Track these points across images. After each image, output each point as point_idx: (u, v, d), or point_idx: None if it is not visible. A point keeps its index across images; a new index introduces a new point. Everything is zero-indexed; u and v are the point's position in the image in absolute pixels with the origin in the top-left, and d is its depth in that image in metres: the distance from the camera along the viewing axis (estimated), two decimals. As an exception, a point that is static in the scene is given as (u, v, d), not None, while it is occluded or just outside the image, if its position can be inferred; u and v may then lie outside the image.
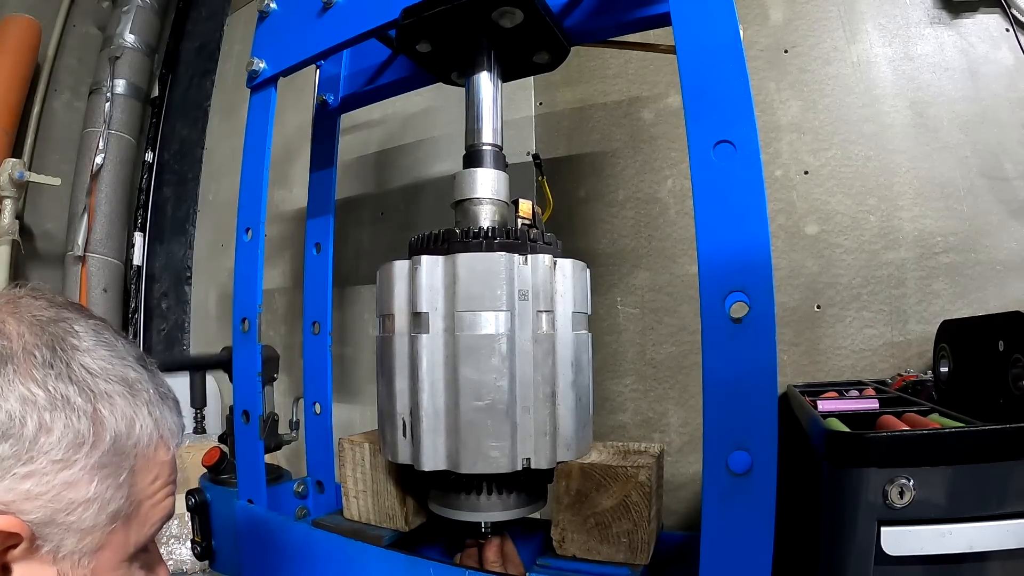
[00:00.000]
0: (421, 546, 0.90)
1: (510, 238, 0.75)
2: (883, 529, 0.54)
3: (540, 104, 1.43)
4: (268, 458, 0.99)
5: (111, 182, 2.03)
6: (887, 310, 1.08)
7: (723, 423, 0.55)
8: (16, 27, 1.95)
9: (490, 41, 0.85)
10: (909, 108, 1.10)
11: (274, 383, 1.19)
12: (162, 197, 2.26)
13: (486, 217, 0.81)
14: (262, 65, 0.92)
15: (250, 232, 0.92)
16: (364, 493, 0.89)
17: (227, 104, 2.13)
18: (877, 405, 0.77)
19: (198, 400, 1.62)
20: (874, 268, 1.10)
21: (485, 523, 0.79)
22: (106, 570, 0.47)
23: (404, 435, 0.77)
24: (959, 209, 1.06)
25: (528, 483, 0.77)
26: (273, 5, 0.93)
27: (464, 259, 0.72)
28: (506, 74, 0.91)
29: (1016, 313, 0.67)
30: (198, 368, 1.19)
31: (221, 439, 1.19)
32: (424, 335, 0.73)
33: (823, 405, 0.77)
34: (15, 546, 0.42)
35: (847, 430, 0.61)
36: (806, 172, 1.16)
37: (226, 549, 1.03)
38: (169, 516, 0.53)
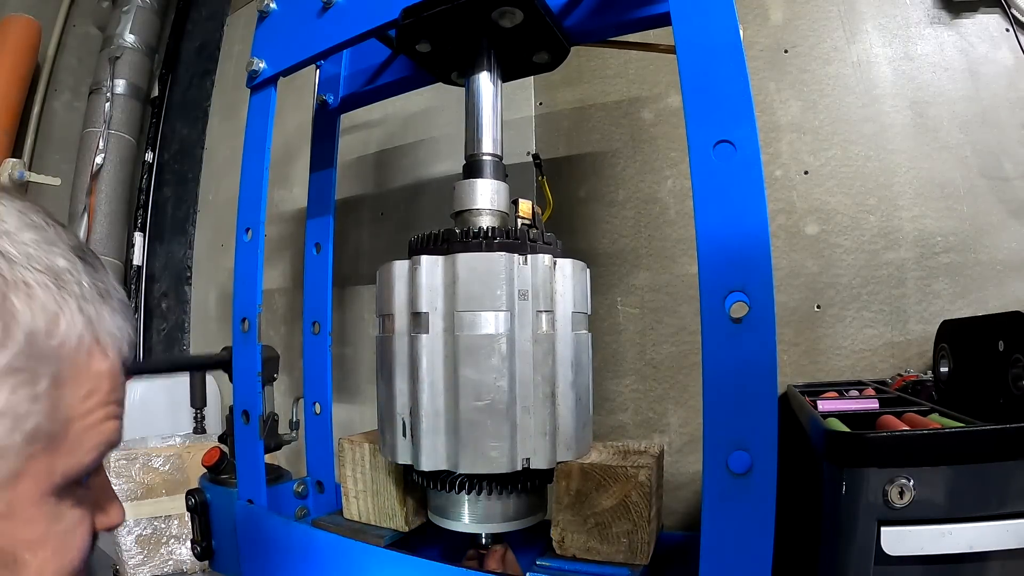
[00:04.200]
0: (421, 546, 0.90)
1: (510, 238, 0.75)
2: (883, 529, 0.54)
3: (540, 104, 1.43)
4: (268, 458, 0.99)
5: (111, 182, 2.02)
6: (887, 310, 1.08)
7: (723, 423, 0.55)
8: (16, 27, 1.95)
9: (490, 41, 0.85)
10: (909, 108, 1.10)
11: (274, 383, 1.19)
12: (162, 197, 2.26)
13: (485, 226, 0.82)
14: (262, 65, 0.92)
15: (250, 232, 0.92)
16: (364, 493, 0.89)
17: (227, 104, 2.13)
18: (877, 405, 0.77)
19: (198, 400, 1.62)
20: (874, 268, 1.10)
21: (485, 535, 0.79)
22: (26, 504, 0.38)
23: (404, 435, 0.77)
24: (959, 209, 1.06)
25: (528, 484, 0.77)
26: (273, 5, 0.93)
27: (464, 259, 0.72)
28: (506, 74, 0.91)
29: (1016, 313, 0.67)
30: (197, 368, 1.18)
31: (221, 439, 1.19)
32: (424, 335, 0.74)
33: (823, 405, 0.77)
34: None
35: (847, 430, 0.61)
36: (806, 172, 1.16)
37: (226, 549, 1.03)
38: (111, 444, 0.43)
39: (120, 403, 0.44)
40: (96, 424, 0.41)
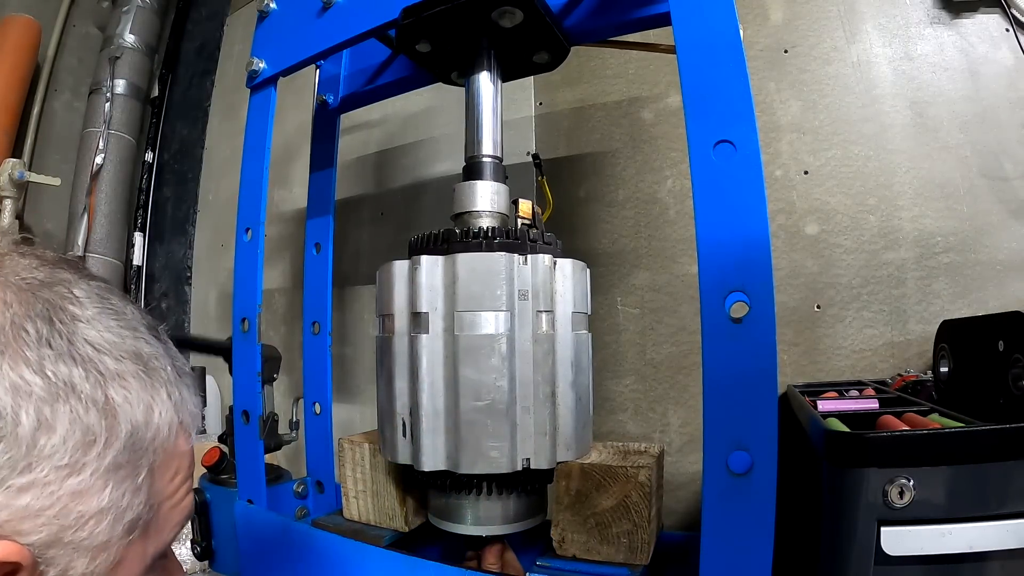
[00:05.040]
0: (421, 546, 0.90)
1: (510, 238, 0.75)
2: (883, 529, 0.54)
3: (540, 104, 1.43)
4: (268, 458, 0.99)
5: (111, 182, 2.02)
6: (887, 310, 1.08)
7: (723, 423, 0.55)
8: (16, 27, 1.95)
9: (490, 41, 0.85)
10: (909, 108, 1.10)
11: (274, 383, 1.19)
12: (162, 197, 2.26)
13: (485, 228, 0.81)
14: (262, 65, 0.92)
15: (250, 232, 0.92)
16: (364, 493, 0.89)
17: (227, 104, 2.13)
18: (877, 405, 0.77)
19: (198, 400, 1.61)
20: (874, 268, 1.10)
21: (485, 537, 0.79)
22: None
23: (404, 435, 0.77)
24: (959, 209, 1.06)
25: (528, 484, 0.77)
26: (273, 5, 0.93)
27: (464, 259, 0.72)
28: (506, 74, 0.91)
29: (1016, 313, 0.67)
30: (201, 349, 1.17)
31: (221, 439, 1.19)
32: (424, 335, 0.74)
33: (823, 405, 0.77)
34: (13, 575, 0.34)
35: (847, 430, 0.61)
36: (806, 172, 1.15)
37: (226, 549, 1.03)
38: (189, 516, 0.45)
39: (192, 474, 0.45)
40: (180, 501, 0.43)
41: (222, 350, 1.10)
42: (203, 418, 1.64)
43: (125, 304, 0.41)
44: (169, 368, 0.41)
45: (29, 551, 0.34)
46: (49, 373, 0.34)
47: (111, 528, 0.36)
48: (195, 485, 1.10)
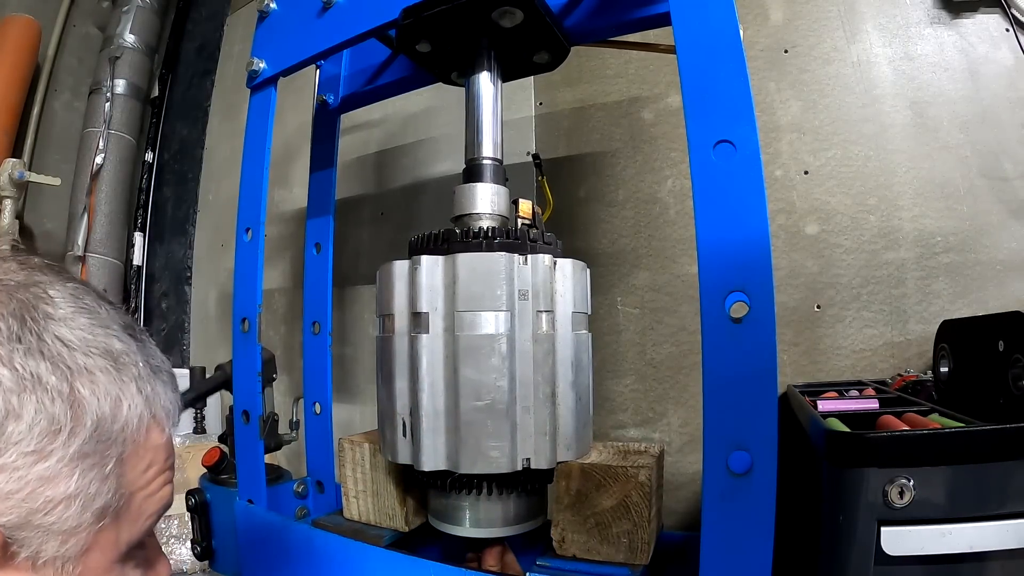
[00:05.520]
0: (421, 546, 0.90)
1: (510, 238, 0.75)
2: (883, 529, 0.54)
3: (540, 104, 1.43)
4: (268, 458, 0.99)
5: (111, 182, 2.02)
6: (887, 310, 1.08)
7: (723, 423, 0.55)
8: (16, 27, 1.95)
9: (490, 41, 0.85)
10: (909, 108, 1.10)
11: (273, 383, 1.19)
12: (162, 197, 2.26)
13: (486, 231, 0.81)
14: (262, 65, 0.92)
15: (250, 232, 0.92)
16: (364, 493, 0.89)
17: (227, 104, 2.13)
18: (877, 405, 0.77)
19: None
20: (874, 268, 1.10)
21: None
22: (96, 574, 0.41)
23: (404, 435, 0.77)
24: (959, 209, 1.06)
25: (528, 484, 0.77)
26: (273, 5, 0.93)
27: (464, 259, 0.72)
28: (506, 74, 0.91)
29: (1016, 313, 0.67)
30: (208, 393, 1.20)
31: (221, 439, 1.19)
32: (424, 335, 0.74)
33: (823, 405, 0.77)
34: None
35: (847, 430, 0.61)
36: (806, 172, 1.15)
37: (226, 549, 1.03)
38: (167, 507, 0.46)
39: (172, 467, 0.47)
40: (155, 492, 0.44)
41: (222, 384, 1.12)
42: (203, 418, 1.64)
43: (100, 304, 0.43)
44: (141, 364, 0.43)
45: (0, 531, 0.36)
46: (18, 366, 0.37)
47: (80, 514, 0.39)
48: (195, 485, 1.10)
